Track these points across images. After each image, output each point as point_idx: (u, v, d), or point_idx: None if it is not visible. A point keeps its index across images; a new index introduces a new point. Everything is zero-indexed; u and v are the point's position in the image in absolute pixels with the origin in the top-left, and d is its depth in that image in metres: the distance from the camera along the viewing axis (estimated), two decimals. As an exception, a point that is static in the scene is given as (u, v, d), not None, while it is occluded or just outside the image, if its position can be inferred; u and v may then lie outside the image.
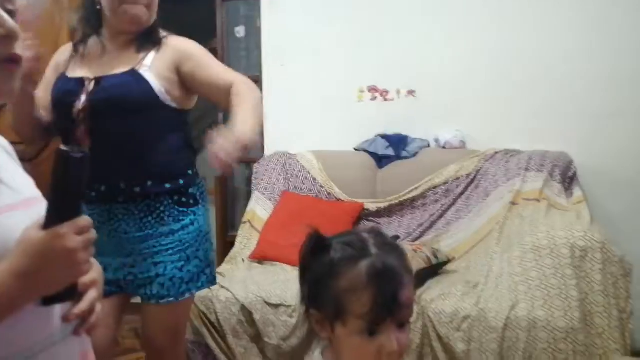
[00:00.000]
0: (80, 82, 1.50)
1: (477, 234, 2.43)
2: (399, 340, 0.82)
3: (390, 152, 2.85)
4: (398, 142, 2.87)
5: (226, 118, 3.41)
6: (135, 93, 1.47)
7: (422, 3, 2.90)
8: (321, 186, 2.79)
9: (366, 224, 2.65)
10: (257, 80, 3.10)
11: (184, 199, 1.55)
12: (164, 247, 1.54)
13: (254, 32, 3.22)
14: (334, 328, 0.84)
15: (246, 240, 2.68)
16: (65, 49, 1.62)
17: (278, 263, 2.45)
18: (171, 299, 1.54)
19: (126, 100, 1.45)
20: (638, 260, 1.98)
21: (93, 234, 0.71)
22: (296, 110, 3.12)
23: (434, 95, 2.90)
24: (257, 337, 2.10)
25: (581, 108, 2.67)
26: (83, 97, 1.47)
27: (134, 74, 1.47)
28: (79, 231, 0.69)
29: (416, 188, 2.68)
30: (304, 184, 2.81)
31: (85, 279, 0.76)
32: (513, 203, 2.41)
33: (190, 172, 1.59)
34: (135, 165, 1.50)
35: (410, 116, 2.94)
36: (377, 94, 3.01)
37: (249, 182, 3.12)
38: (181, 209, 1.55)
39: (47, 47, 1.68)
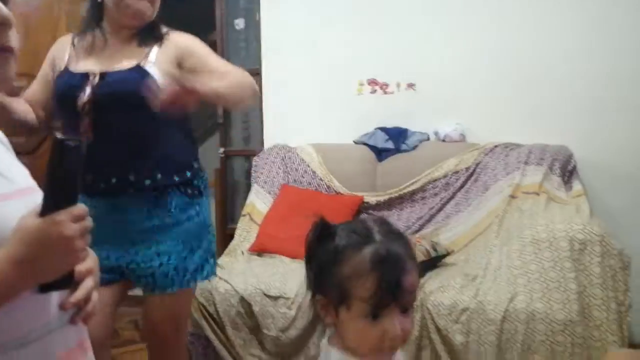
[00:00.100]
0: (85, 76, 1.50)
1: (476, 227, 2.43)
2: (403, 325, 0.83)
3: (390, 145, 2.84)
4: (398, 135, 2.86)
5: (225, 111, 3.41)
6: (141, 87, 1.46)
7: (423, -4, 2.89)
8: (321, 179, 2.79)
9: (367, 217, 2.65)
10: (257, 73, 3.10)
11: (189, 191, 1.58)
12: (169, 238, 1.55)
13: (254, 25, 3.20)
14: (339, 313, 0.86)
15: (245, 233, 2.68)
16: (62, 43, 1.61)
17: (277, 255, 2.45)
18: (175, 288, 1.55)
19: (132, 95, 1.45)
20: (637, 253, 1.99)
21: (89, 221, 0.71)
22: (296, 103, 3.11)
23: (433, 89, 2.90)
24: (256, 329, 2.10)
25: (581, 102, 2.67)
26: (87, 91, 1.47)
27: (139, 70, 1.48)
28: (76, 219, 0.69)
29: (416, 181, 2.68)
30: (303, 177, 2.81)
31: (81, 267, 0.77)
32: (512, 196, 2.41)
33: (195, 164, 1.62)
34: (142, 158, 1.51)
35: (410, 109, 2.93)
36: (376, 87, 3.00)
37: (248, 175, 3.12)
38: (187, 200, 1.57)
39: (45, 38, 1.68)
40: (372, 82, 3.00)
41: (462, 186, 2.63)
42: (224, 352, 2.12)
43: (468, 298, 1.95)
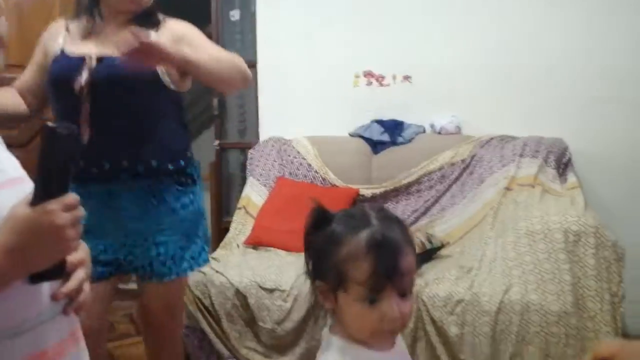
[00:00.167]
0: (82, 59, 1.48)
1: (472, 219, 2.44)
2: (401, 308, 0.83)
3: (386, 137, 2.84)
4: (393, 128, 2.86)
5: (221, 104, 3.40)
6: (140, 72, 1.47)
7: (418, -13, 2.88)
8: (316, 172, 2.78)
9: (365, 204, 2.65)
10: (252, 65, 3.08)
11: (182, 179, 1.58)
12: (165, 226, 1.55)
13: (249, 16, 3.19)
14: (337, 297, 0.86)
15: (241, 226, 2.67)
16: (55, 28, 1.60)
17: (272, 248, 2.45)
18: (173, 276, 1.57)
19: (129, 79, 1.46)
20: (630, 244, 2.00)
21: (81, 211, 0.71)
22: (291, 95, 3.10)
23: (429, 81, 2.89)
24: (251, 322, 2.11)
25: (576, 95, 2.68)
26: (85, 74, 1.46)
27: None
28: (67, 208, 0.68)
29: (411, 174, 2.68)
30: (299, 170, 2.81)
31: (73, 258, 0.76)
32: (507, 188, 2.42)
33: (188, 153, 1.63)
34: (137, 144, 1.51)
35: (405, 102, 2.93)
36: (372, 79, 2.99)
37: (243, 167, 3.12)
38: (181, 189, 1.58)
39: (39, 28, 1.66)
40: (368, 74, 2.99)
41: (457, 178, 2.63)
42: (219, 345, 2.12)
43: (463, 290, 1.95)
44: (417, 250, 2.15)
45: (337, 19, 3.00)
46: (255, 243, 2.51)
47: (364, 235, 0.84)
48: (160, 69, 1.51)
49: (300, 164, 2.81)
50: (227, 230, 2.76)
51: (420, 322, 1.95)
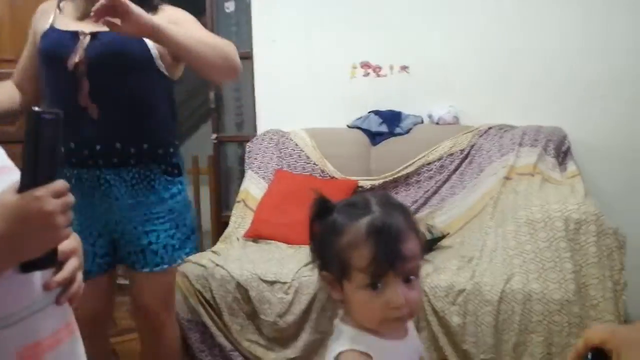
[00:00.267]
0: (75, 35, 1.46)
1: (472, 209, 2.43)
2: (407, 295, 0.82)
3: (384, 128, 2.83)
4: (391, 119, 2.85)
5: (217, 97, 3.37)
6: (134, 50, 1.46)
7: (415, -23, 2.85)
8: (315, 164, 2.77)
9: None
10: (248, 57, 3.06)
11: (170, 169, 1.58)
12: (155, 216, 1.56)
13: (244, 7, 3.16)
14: (343, 286, 0.86)
15: (240, 219, 2.66)
16: (44, 8, 1.57)
17: (273, 241, 2.44)
18: (165, 265, 1.57)
19: (124, 56, 1.44)
20: (631, 233, 1.99)
21: (71, 197, 0.69)
22: (288, 87, 3.08)
23: (427, 71, 2.88)
24: (253, 315, 2.10)
25: (575, 83, 2.66)
26: (79, 51, 1.43)
27: None
28: (56, 194, 0.67)
29: (410, 165, 2.67)
30: (297, 162, 2.79)
31: (65, 247, 0.75)
32: (507, 178, 2.41)
33: (176, 142, 1.63)
34: (131, 125, 1.50)
35: (403, 92, 2.91)
36: (369, 70, 2.97)
37: (241, 161, 3.10)
38: (169, 178, 1.58)
39: (31, 18, 1.63)
40: (365, 65, 2.98)
41: (456, 169, 2.62)
42: (221, 339, 2.12)
43: (464, 280, 1.95)
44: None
45: (333, 10, 2.97)
46: (255, 236, 2.50)
47: (364, 221, 0.84)
48: (154, 52, 1.49)
49: (299, 157, 2.80)
50: (226, 224, 2.75)
51: (422, 313, 1.95)
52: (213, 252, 2.35)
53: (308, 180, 2.71)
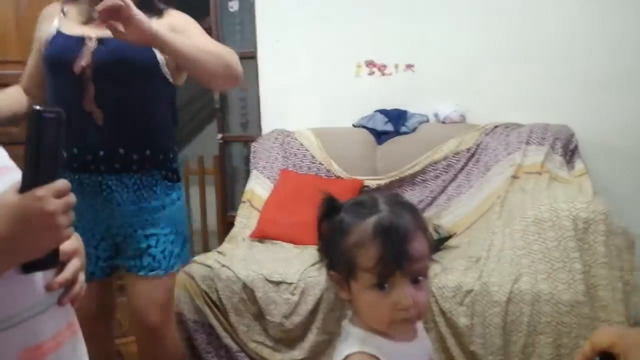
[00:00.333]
0: (81, 40, 1.45)
1: (479, 208, 2.41)
2: (415, 297, 0.81)
3: (390, 127, 2.81)
4: (397, 118, 2.83)
5: (222, 97, 3.37)
6: (141, 58, 1.46)
7: (420, -25, 2.83)
8: (320, 164, 2.76)
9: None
10: (252, 57, 3.05)
11: (170, 174, 1.59)
12: (156, 221, 1.55)
13: (248, 7, 3.14)
14: (350, 286, 0.85)
15: (246, 219, 2.65)
16: (48, 11, 1.57)
17: (278, 241, 2.43)
18: (161, 272, 1.56)
19: (131, 63, 1.44)
20: (640, 232, 1.97)
21: (72, 197, 0.69)
22: (293, 86, 3.07)
23: (432, 69, 2.86)
24: (259, 315, 2.09)
25: (582, 81, 2.64)
26: (85, 56, 1.43)
27: None
28: (57, 194, 0.66)
29: (416, 164, 2.66)
30: (302, 162, 2.78)
31: (66, 247, 0.74)
32: (514, 177, 2.39)
33: (175, 147, 1.64)
34: (135, 131, 1.50)
35: (409, 91, 2.90)
36: (375, 69, 2.96)
37: (247, 161, 3.09)
38: (169, 184, 1.58)
39: (36, 19, 1.63)
40: (370, 63, 2.96)
41: (463, 168, 2.60)
42: (227, 340, 2.11)
43: (472, 280, 1.93)
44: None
45: (338, 8, 2.95)
46: (261, 236, 2.49)
47: (371, 221, 0.83)
48: (160, 58, 1.50)
49: (304, 156, 2.79)
50: (232, 224, 2.74)
51: (429, 314, 1.93)
52: (219, 252, 2.34)
53: (313, 180, 2.70)
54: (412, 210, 0.87)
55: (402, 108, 2.86)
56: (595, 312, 1.82)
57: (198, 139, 3.96)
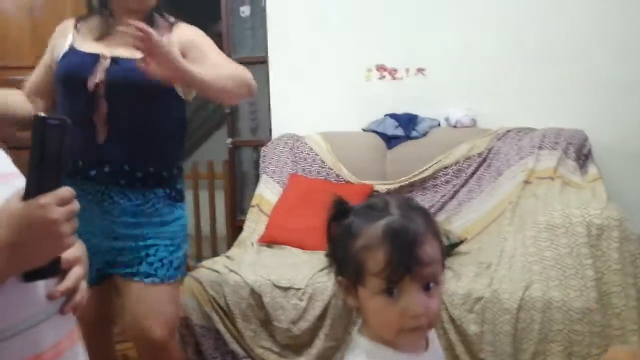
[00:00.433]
0: (95, 57, 1.47)
1: (490, 214, 2.38)
2: (426, 304, 0.77)
3: (400, 132, 2.79)
4: (407, 122, 2.81)
5: (232, 108, 3.36)
6: (155, 80, 1.45)
7: (431, -22, 2.82)
8: (330, 168, 2.75)
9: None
10: (263, 61, 3.05)
11: (173, 194, 1.58)
12: (157, 235, 1.55)
13: (259, 12, 3.15)
14: (358, 292, 0.82)
15: (255, 224, 2.65)
16: (63, 28, 1.58)
17: (287, 247, 2.42)
18: (157, 279, 1.53)
19: (146, 85, 1.44)
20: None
21: (76, 205, 0.68)
22: (303, 91, 3.06)
23: (443, 74, 2.84)
24: (266, 321, 2.08)
25: (596, 85, 2.60)
26: (100, 73, 1.45)
27: None
28: (61, 202, 0.66)
29: (427, 168, 2.63)
30: (312, 167, 2.77)
31: (68, 255, 0.74)
32: (526, 182, 2.36)
33: (181, 164, 1.64)
34: (142, 149, 1.51)
35: (419, 95, 2.88)
36: (385, 73, 2.94)
37: (256, 165, 3.09)
38: (171, 203, 1.58)
39: (51, 25, 1.64)
40: (381, 68, 2.95)
41: (474, 172, 2.57)
42: (234, 345, 2.10)
43: (482, 287, 1.91)
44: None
45: (348, 12, 2.95)
46: (269, 241, 2.48)
47: (381, 223, 0.79)
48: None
49: (314, 161, 2.78)
50: (240, 228, 2.74)
51: (438, 321, 1.91)
52: (227, 257, 2.34)
53: (323, 184, 2.68)
54: (425, 215, 0.84)
55: (413, 112, 2.84)
56: (607, 320, 1.78)
57: (208, 144, 3.97)
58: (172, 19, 1.58)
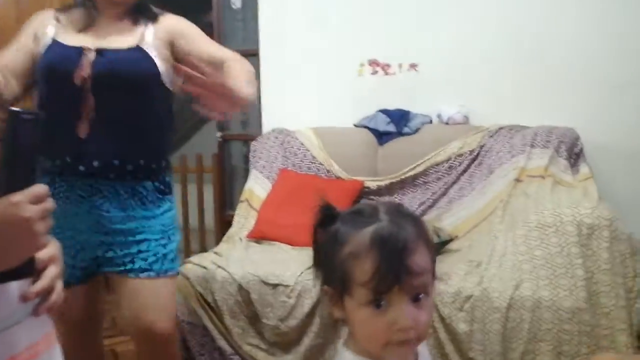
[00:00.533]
0: (79, 50, 1.43)
1: (481, 212, 2.37)
2: (415, 316, 0.73)
3: (392, 128, 2.77)
4: (399, 118, 2.79)
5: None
6: (143, 70, 1.45)
7: (425, -27, 2.79)
8: (320, 164, 2.72)
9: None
10: (254, 54, 3.01)
11: (162, 187, 1.55)
12: (147, 229, 1.51)
13: (251, 4, 3.11)
14: (344, 303, 0.78)
15: (244, 219, 2.62)
16: (43, 17, 1.53)
17: (276, 242, 2.40)
18: (152, 273, 1.51)
19: (133, 76, 1.43)
20: (646, 238, 1.93)
21: (50, 203, 0.66)
22: (294, 85, 3.03)
23: (436, 69, 2.82)
24: (254, 318, 2.06)
25: (589, 83, 2.60)
26: (85, 66, 1.41)
27: (140, 51, 1.45)
28: (34, 199, 0.63)
29: (418, 165, 2.62)
30: (302, 162, 2.75)
31: (43, 254, 0.71)
32: (517, 180, 2.35)
33: (169, 156, 1.61)
34: (131, 143, 1.47)
35: (412, 91, 2.86)
36: (378, 68, 2.92)
37: (246, 160, 3.06)
38: (160, 196, 1.55)
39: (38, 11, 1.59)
40: (373, 62, 2.92)
41: (465, 170, 2.56)
42: (222, 342, 2.08)
43: (472, 285, 1.90)
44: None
45: (341, 6, 2.92)
46: (258, 237, 2.46)
47: (369, 230, 0.76)
48: (162, 69, 1.47)
49: (304, 156, 2.75)
50: (230, 223, 2.71)
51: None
52: (215, 253, 2.31)
53: (313, 180, 2.66)
54: (415, 222, 0.80)
55: (405, 108, 2.82)
56: (597, 319, 1.78)
57: (197, 137, 3.93)
58: (157, 11, 1.54)
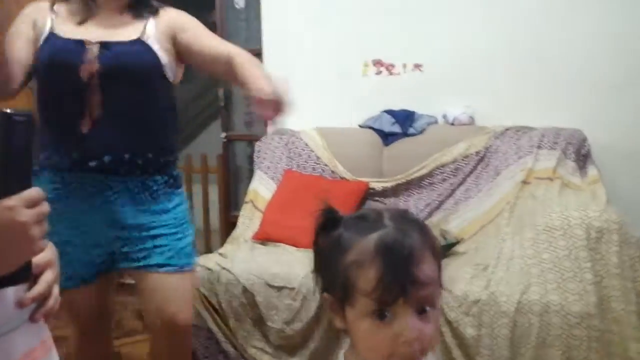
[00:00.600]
0: (80, 44, 1.41)
1: (487, 214, 2.35)
2: (420, 329, 0.70)
3: (397, 128, 2.75)
4: (404, 119, 2.77)
5: (226, 95, 3.31)
6: (146, 63, 1.44)
7: (430, -27, 2.77)
8: (325, 164, 2.70)
9: (372, 204, 2.57)
10: (258, 54, 2.99)
11: (171, 180, 1.55)
12: (161, 223, 1.51)
13: (254, 3, 3.09)
14: (346, 312, 0.75)
15: (248, 220, 2.60)
16: (39, 6, 1.49)
17: (281, 244, 2.38)
18: (171, 268, 1.50)
19: (138, 69, 1.42)
20: (655, 242, 1.91)
21: (45, 207, 0.64)
22: (298, 85, 2.98)
23: (441, 70, 2.79)
24: (259, 321, 2.04)
25: (596, 84, 2.57)
26: (90, 61, 1.39)
27: (142, 44, 1.44)
28: (29, 203, 0.62)
29: (423, 166, 2.60)
30: (307, 163, 2.73)
31: (39, 259, 0.70)
32: (525, 182, 2.33)
33: (177, 152, 1.60)
34: (140, 136, 1.47)
35: (417, 91, 2.83)
36: (382, 68, 2.90)
37: (251, 160, 3.04)
38: (170, 190, 1.54)
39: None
40: (378, 63, 2.90)
41: (472, 171, 2.54)
42: (226, 345, 2.07)
43: (479, 289, 1.88)
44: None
45: (345, 6, 2.90)
46: (263, 238, 2.44)
47: (373, 237, 0.73)
48: (164, 60, 1.47)
49: (309, 157, 2.73)
50: (234, 223, 2.70)
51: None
52: (220, 254, 2.29)
53: (318, 181, 2.64)
54: (422, 229, 0.77)
55: (410, 109, 2.80)
56: (606, 324, 1.76)
57: (202, 137, 3.92)
58: (156, 4, 1.53)
